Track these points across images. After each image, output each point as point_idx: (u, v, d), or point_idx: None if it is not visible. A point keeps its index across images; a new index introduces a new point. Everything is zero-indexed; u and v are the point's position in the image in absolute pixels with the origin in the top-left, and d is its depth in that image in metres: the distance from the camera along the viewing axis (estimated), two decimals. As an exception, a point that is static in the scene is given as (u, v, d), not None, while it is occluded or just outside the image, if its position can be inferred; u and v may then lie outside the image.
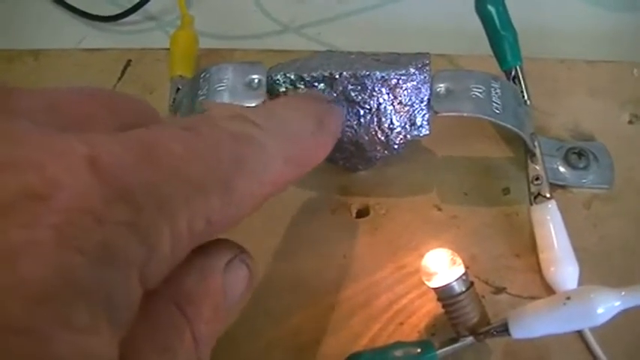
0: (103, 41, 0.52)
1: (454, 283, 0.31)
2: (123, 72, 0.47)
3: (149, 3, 0.52)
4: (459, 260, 0.32)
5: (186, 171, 0.20)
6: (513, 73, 0.39)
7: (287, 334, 0.34)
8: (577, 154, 0.39)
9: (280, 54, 0.44)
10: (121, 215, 0.18)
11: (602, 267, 0.35)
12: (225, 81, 0.38)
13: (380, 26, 0.51)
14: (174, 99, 0.41)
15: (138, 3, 0.52)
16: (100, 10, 0.53)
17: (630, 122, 0.42)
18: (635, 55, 0.46)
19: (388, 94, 0.36)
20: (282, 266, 0.36)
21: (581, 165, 0.39)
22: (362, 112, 0.36)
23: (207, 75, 0.38)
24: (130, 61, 0.47)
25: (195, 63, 0.44)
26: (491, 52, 0.40)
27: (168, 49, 0.45)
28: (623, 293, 0.30)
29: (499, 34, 0.39)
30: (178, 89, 0.41)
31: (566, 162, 0.39)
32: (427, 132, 0.37)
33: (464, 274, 0.32)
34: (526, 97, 0.39)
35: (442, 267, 0.32)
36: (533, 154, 0.37)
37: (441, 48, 0.46)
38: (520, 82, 0.39)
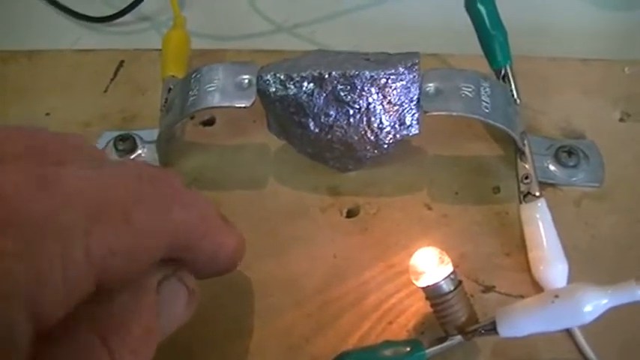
0: (97, 42, 0.52)
1: (442, 282, 0.31)
2: (115, 73, 0.47)
3: (142, 3, 0.52)
4: (447, 259, 0.32)
5: (82, 201, 0.20)
6: (503, 72, 0.39)
7: (277, 333, 0.34)
8: (567, 153, 0.39)
9: (273, 54, 0.44)
10: (5, 244, 0.18)
11: (592, 265, 0.35)
12: (215, 81, 0.38)
13: (374, 25, 0.51)
14: (167, 99, 0.41)
15: (132, 3, 0.52)
16: (94, 10, 0.53)
17: (621, 120, 0.42)
18: (626, 52, 0.46)
19: (377, 93, 0.36)
20: (272, 266, 0.36)
21: (572, 163, 0.39)
22: (351, 111, 0.36)
23: (199, 75, 0.39)
24: (122, 62, 0.48)
25: (187, 63, 0.44)
26: (482, 52, 0.40)
27: (160, 50, 0.45)
28: (610, 291, 0.30)
29: (489, 34, 0.39)
30: (170, 89, 0.41)
31: (557, 160, 0.39)
32: (417, 131, 0.37)
33: (452, 273, 0.32)
34: (516, 95, 0.39)
35: (430, 266, 0.32)
36: (523, 153, 0.37)
37: (434, 47, 0.46)
38: (510, 81, 0.39)
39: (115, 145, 0.42)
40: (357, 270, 0.36)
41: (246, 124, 0.42)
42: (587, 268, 0.35)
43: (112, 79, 0.47)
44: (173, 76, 0.42)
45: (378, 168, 0.39)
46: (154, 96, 0.44)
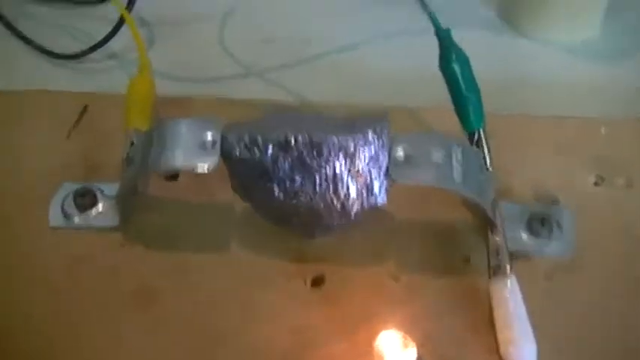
0: (67, 80, 0.51)
1: (406, 369, 0.30)
2: (79, 118, 0.46)
3: (112, 40, 0.51)
4: (411, 343, 0.31)
5: None
6: (476, 136, 0.38)
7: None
8: (540, 221, 0.38)
9: (241, 104, 0.43)
10: None
11: (563, 343, 0.34)
12: (178, 138, 0.36)
13: (344, 71, 0.50)
14: (128, 153, 0.39)
15: (100, 41, 0.51)
16: (64, 48, 0.52)
17: (596, 184, 0.41)
18: (604, 109, 0.45)
19: (345, 160, 0.35)
20: (235, 335, 0.35)
21: (544, 232, 0.38)
22: (318, 179, 0.35)
23: (162, 131, 0.37)
24: (86, 106, 0.46)
25: (151, 113, 0.42)
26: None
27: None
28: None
29: (463, 95, 0.38)
30: (132, 143, 0.40)
31: (529, 229, 0.38)
32: (383, 201, 0.36)
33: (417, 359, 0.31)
34: (488, 162, 0.38)
35: (394, 350, 0.31)
36: (494, 225, 0.36)
37: (404, 96, 0.45)
38: (483, 146, 0.38)
39: (74, 199, 0.40)
40: (319, 345, 0.34)
41: (211, 182, 0.40)
42: (557, 346, 0.34)
43: (75, 125, 0.45)
44: (136, 129, 0.41)
45: (344, 234, 0.38)
46: (118, 144, 0.42)
